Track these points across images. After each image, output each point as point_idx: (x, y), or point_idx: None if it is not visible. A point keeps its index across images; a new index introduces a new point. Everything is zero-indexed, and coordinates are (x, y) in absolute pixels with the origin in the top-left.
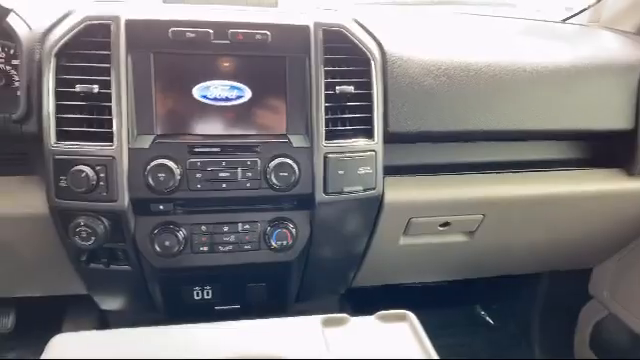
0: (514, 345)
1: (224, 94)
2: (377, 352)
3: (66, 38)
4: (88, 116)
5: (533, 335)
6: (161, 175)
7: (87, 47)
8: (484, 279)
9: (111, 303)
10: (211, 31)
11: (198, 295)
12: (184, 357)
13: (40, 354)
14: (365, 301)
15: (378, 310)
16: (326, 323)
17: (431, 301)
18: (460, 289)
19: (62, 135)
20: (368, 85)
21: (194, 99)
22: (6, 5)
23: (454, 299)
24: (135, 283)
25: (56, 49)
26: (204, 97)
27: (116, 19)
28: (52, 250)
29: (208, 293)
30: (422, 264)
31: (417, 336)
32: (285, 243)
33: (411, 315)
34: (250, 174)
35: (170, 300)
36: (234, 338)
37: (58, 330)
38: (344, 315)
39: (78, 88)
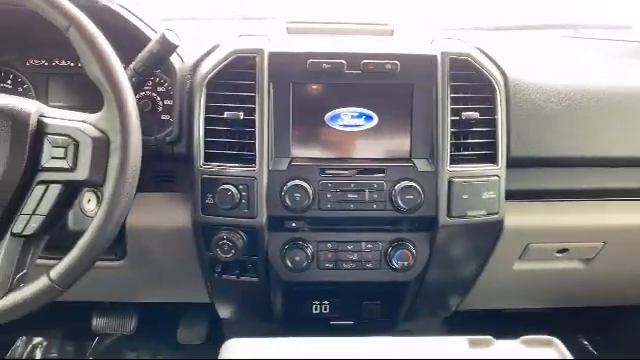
0: None
1: (353, 121)
2: None
3: (216, 70)
4: (233, 140)
5: None
6: (297, 195)
7: (234, 77)
8: (587, 307)
9: (230, 312)
10: (344, 62)
11: (317, 309)
12: None
13: (157, 355)
14: (466, 324)
15: (482, 334)
16: (473, 344)
17: (530, 327)
18: (561, 316)
19: (209, 157)
20: (492, 111)
21: (326, 125)
22: (174, 42)
23: (554, 326)
24: (258, 294)
25: (207, 80)
26: (335, 123)
27: (260, 52)
28: (186, 261)
29: (326, 308)
30: (533, 290)
31: None
32: (406, 264)
33: (557, 341)
34: (376, 196)
35: (289, 312)
36: (391, 353)
37: (173, 334)
38: (489, 337)
39: (226, 115)
